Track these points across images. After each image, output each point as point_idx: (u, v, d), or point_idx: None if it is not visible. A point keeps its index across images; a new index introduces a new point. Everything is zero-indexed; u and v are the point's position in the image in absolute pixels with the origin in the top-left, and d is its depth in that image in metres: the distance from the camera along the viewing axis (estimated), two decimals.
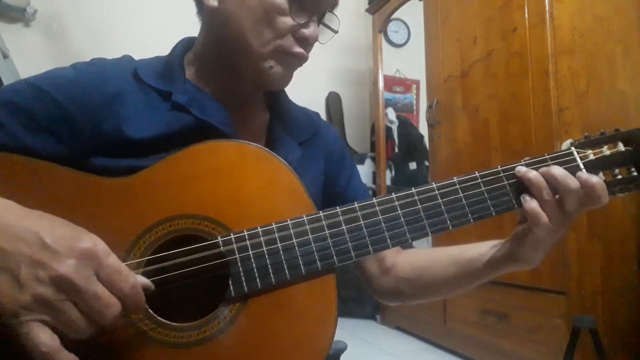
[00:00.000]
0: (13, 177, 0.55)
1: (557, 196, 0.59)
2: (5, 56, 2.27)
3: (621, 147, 0.62)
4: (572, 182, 0.58)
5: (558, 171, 0.59)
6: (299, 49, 0.65)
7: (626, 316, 1.61)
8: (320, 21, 0.68)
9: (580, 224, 1.59)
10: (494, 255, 0.67)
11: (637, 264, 1.64)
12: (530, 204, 0.59)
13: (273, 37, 0.64)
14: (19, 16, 2.57)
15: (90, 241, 0.45)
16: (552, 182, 0.59)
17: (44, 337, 0.42)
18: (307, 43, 0.66)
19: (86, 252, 0.44)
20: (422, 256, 0.76)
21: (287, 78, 0.68)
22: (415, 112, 3.52)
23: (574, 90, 1.65)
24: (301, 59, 0.67)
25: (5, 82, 2.07)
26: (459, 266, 0.70)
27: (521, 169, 0.61)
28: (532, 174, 0.59)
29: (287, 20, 0.63)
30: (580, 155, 0.62)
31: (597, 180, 0.58)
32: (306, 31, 0.64)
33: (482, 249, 0.69)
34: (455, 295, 0.76)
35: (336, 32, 0.71)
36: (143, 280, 0.49)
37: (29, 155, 0.57)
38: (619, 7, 1.75)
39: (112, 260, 0.46)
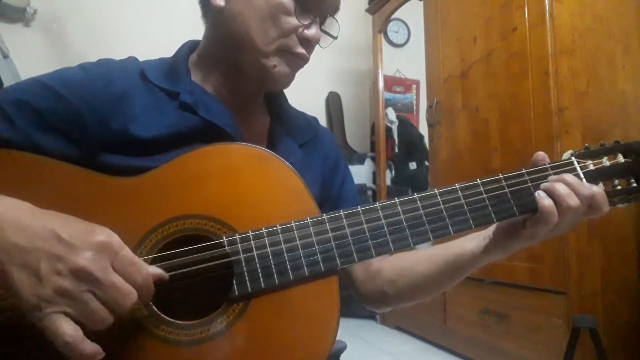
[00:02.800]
0: (22, 175, 0.56)
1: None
2: (5, 56, 2.26)
3: (621, 158, 0.64)
4: (572, 201, 0.58)
5: (562, 190, 0.59)
6: (301, 50, 0.67)
7: (626, 316, 1.61)
8: (321, 26, 0.69)
9: (580, 224, 1.59)
10: (475, 250, 0.67)
11: (637, 264, 1.64)
12: (546, 200, 0.59)
13: (277, 36, 0.65)
14: (19, 16, 2.57)
15: (105, 234, 0.47)
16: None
17: (67, 327, 0.44)
18: (308, 44, 0.67)
19: (102, 245, 0.46)
20: (405, 257, 0.76)
21: (290, 78, 0.70)
22: (415, 112, 3.52)
23: (574, 90, 1.65)
24: (303, 60, 0.69)
25: (5, 82, 2.06)
26: (441, 264, 0.71)
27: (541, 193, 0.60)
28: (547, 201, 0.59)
29: (292, 20, 0.65)
30: (580, 165, 0.63)
31: (597, 189, 0.59)
32: (309, 32, 0.66)
33: (462, 245, 0.69)
34: (438, 294, 0.76)
35: (335, 38, 0.73)
36: (158, 270, 0.51)
37: (39, 153, 0.58)
38: (619, 7, 1.75)
39: (126, 252, 0.48)
